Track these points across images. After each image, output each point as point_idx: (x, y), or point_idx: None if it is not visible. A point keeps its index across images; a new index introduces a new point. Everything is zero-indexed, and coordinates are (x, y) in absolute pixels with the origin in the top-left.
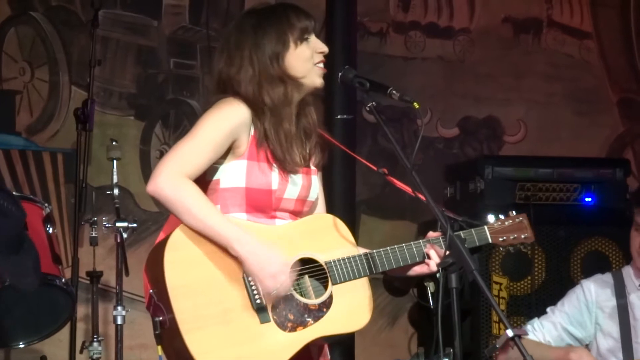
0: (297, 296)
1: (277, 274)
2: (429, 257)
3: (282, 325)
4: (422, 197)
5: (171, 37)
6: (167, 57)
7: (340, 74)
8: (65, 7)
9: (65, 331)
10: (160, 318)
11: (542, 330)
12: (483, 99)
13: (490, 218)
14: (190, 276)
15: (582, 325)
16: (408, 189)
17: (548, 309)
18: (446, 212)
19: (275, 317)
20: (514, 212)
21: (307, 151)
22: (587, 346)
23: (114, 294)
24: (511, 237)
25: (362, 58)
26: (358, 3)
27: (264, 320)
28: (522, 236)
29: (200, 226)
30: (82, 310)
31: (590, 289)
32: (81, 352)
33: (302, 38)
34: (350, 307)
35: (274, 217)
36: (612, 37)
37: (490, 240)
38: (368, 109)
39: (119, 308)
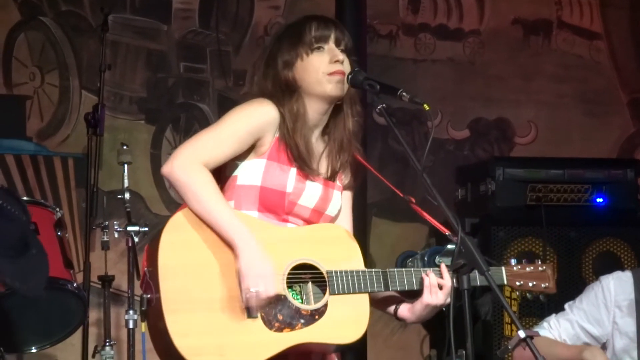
0: (291, 299)
1: (263, 276)
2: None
3: (268, 324)
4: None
5: (181, 41)
6: (177, 61)
7: (350, 76)
8: (75, 12)
9: (77, 335)
10: (149, 296)
11: (558, 328)
12: (493, 101)
13: (513, 261)
14: (184, 258)
15: (599, 323)
16: (436, 223)
17: (566, 306)
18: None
19: (263, 314)
20: (539, 261)
21: (338, 165)
22: (603, 345)
23: (125, 298)
24: (529, 284)
25: (372, 60)
26: (367, 6)
27: (250, 315)
28: (543, 285)
29: (204, 213)
30: (94, 314)
31: (609, 288)
32: (93, 356)
33: (312, 48)
34: (343, 320)
35: (285, 220)
36: (622, 38)
37: (505, 282)
38: (378, 111)
39: (131, 312)
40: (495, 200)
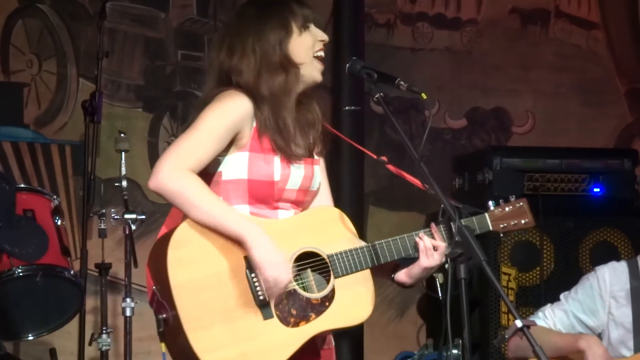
0: (300, 291)
1: (278, 265)
2: (419, 249)
3: (285, 321)
4: (424, 186)
5: (179, 29)
6: (174, 49)
7: (347, 65)
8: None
9: (74, 323)
10: (164, 315)
11: (553, 318)
12: (491, 90)
13: (491, 204)
14: (194, 273)
15: (594, 313)
16: (408, 177)
17: (561, 296)
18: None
19: (278, 312)
20: (513, 197)
21: (311, 142)
22: (599, 335)
23: (122, 285)
24: (512, 223)
25: (369, 49)
26: None
27: (267, 316)
28: (522, 221)
29: (207, 219)
30: (90, 302)
31: (604, 278)
32: (90, 344)
33: (304, 26)
34: (353, 300)
35: (276, 207)
36: (619, 28)
37: (490, 227)
38: (376, 100)
39: (128, 300)
40: (492, 190)
